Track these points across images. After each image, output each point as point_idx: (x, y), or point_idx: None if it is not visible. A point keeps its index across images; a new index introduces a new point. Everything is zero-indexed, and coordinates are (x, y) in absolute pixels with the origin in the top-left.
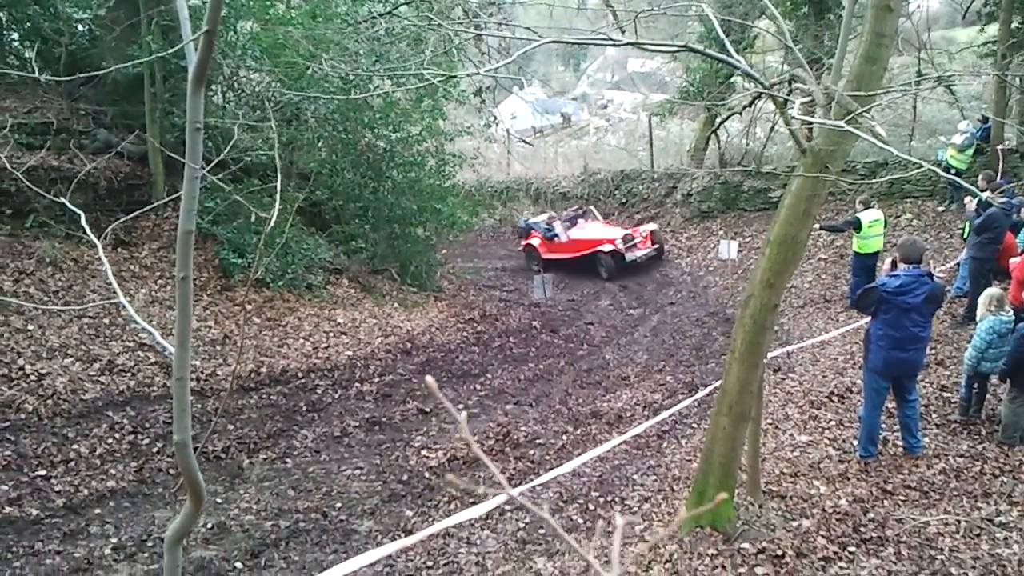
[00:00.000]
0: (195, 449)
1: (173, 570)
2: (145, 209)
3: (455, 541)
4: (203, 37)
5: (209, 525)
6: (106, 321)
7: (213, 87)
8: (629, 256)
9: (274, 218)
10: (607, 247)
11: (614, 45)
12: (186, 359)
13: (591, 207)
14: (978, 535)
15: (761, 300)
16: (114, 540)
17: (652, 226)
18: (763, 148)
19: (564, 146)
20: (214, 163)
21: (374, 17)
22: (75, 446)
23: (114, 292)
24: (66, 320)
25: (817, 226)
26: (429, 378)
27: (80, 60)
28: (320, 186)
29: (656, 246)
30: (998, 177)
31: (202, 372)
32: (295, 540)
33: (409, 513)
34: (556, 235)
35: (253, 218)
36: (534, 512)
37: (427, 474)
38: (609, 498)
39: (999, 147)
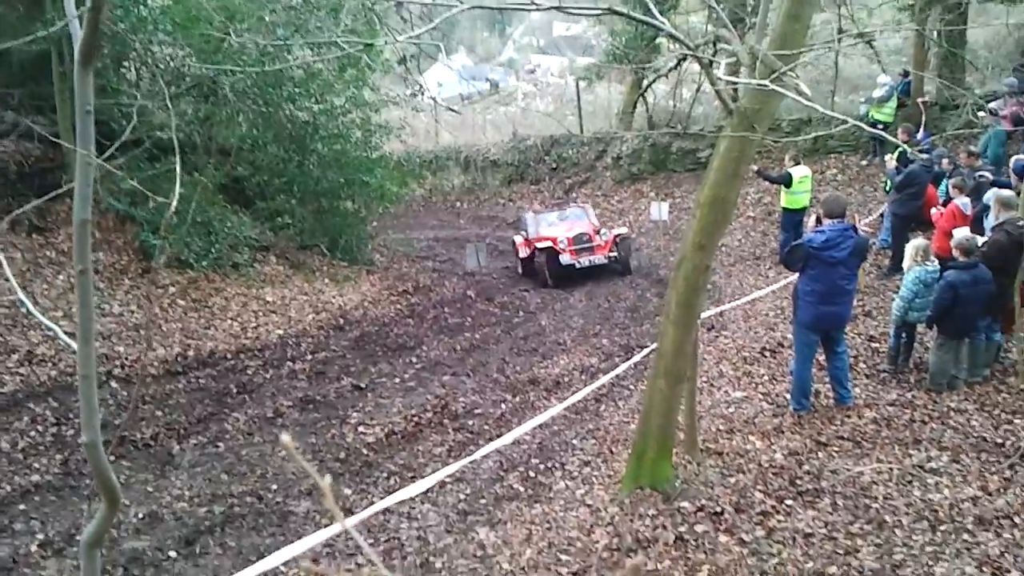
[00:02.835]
0: (123, 438)
1: (92, 574)
2: (52, 195)
3: (396, 517)
4: (88, 15)
5: (140, 515)
6: (23, 310)
7: (125, 63)
8: (566, 260)
9: (176, 195)
10: (544, 244)
11: (537, 10)
12: (91, 356)
13: (587, 204)
14: (910, 482)
15: (693, 262)
16: (40, 536)
17: (622, 230)
18: (690, 109)
19: (492, 113)
20: (117, 143)
21: None
22: None
23: (30, 282)
24: None
25: (754, 168)
26: (284, 437)
27: None
28: (242, 162)
29: (614, 254)
30: (919, 130)
31: (126, 358)
32: (230, 525)
33: (348, 491)
34: (526, 230)
35: (176, 199)
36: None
37: (365, 451)
38: (549, 464)
39: (920, 100)
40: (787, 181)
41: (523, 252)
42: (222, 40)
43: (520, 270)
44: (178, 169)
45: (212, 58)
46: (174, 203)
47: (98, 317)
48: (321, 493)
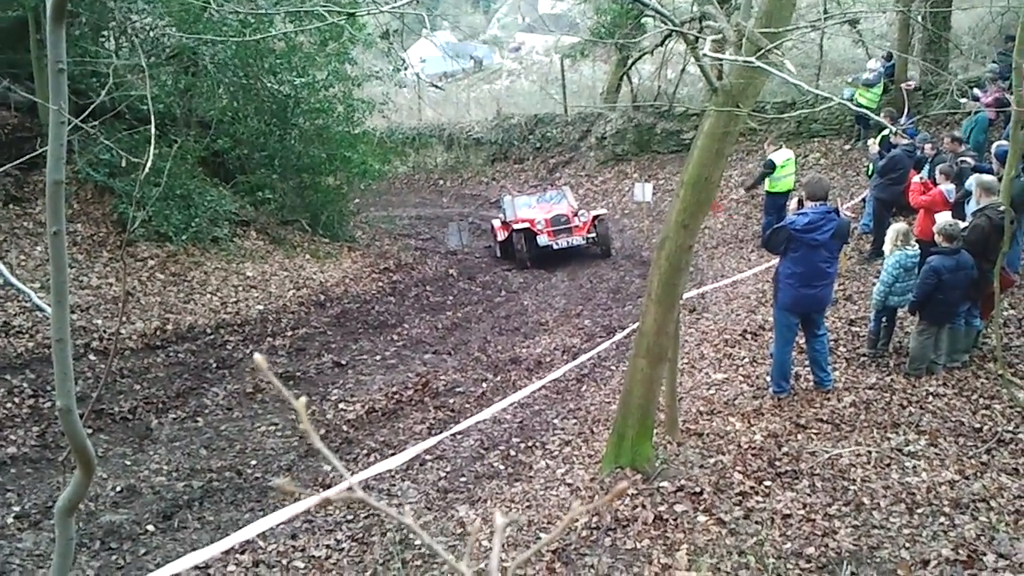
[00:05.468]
0: (100, 411)
1: (66, 543)
2: (25, 158)
3: (376, 493)
4: None
5: (118, 488)
6: (0, 281)
7: (104, 33)
8: (543, 241)
9: (149, 157)
10: (522, 225)
11: None
12: (65, 319)
13: (566, 186)
14: (888, 465)
15: (676, 242)
16: (17, 508)
17: (600, 211)
18: (675, 90)
19: (476, 91)
20: (93, 105)
21: None
22: None
23: (6, 252)
24: None
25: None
26: (258, 356)
27: None
28: (222, 135)
29: (592, 235)
30: (903, 115)
31: (104, 331)
32: (209, 500)
33: (327, 468)
34: (504, 212)
35: (149, 161)
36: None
37: (345, 427)
38: (530, 443)
39: (904, 85)
40: (771, 169)
41: (501, 235)
42: (203, 9)
43: (498, 253)
44: (152, 133)
45: (192, 28)
46: (147, 165)
47: (76, 289)
48: (297, 414)
